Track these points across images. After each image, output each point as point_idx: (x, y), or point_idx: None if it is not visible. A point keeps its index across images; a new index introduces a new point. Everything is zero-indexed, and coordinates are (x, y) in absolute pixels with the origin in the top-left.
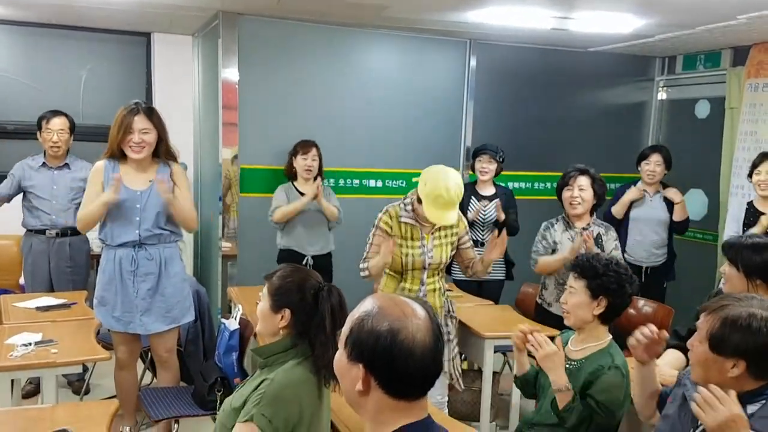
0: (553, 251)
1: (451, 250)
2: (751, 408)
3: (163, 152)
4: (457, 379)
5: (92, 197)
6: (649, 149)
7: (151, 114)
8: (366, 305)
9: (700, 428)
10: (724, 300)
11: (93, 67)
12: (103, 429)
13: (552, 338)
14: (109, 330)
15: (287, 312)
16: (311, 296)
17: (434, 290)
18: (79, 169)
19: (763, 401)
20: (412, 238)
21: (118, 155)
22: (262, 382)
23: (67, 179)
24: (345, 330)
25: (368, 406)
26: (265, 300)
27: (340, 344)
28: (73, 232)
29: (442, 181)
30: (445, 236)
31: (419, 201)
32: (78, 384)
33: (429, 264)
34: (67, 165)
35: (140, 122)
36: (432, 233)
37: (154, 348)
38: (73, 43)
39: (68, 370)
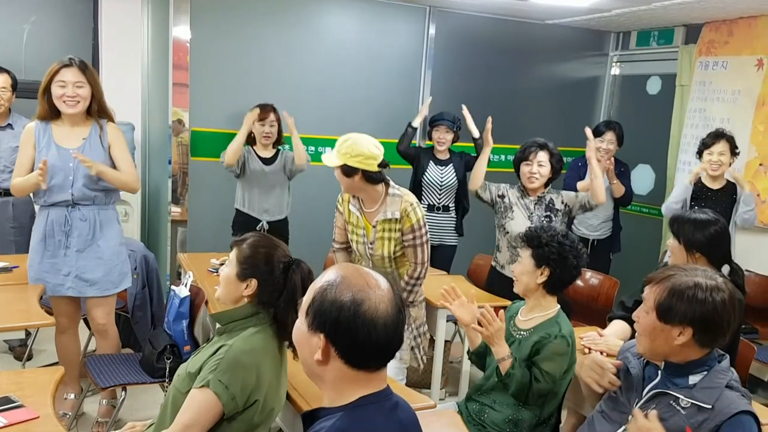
0: (500, 194)
1: (395, 245)
2: (694, 378)
3: (95, 110)
4: (419, 361)
5: (24, 161)
6: (603, 126)
7: (85, 68)
8: (329, 275)
9: (645, 398)
10: (669, 271)
11: (37, 20)
12: (47, 396)
13: (496, 310)
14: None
15: (254, 282)
16: (280, 270)
17: None
18: (23, 129)
19: (705, 372)
20: (356, 226)
21: (50, 114)
22: (220, 347)
23: (11, 139)
24: (306, 299)
25: (327, 377)
26: (232, 267)
27: (301, 313)
28: None
29: (350, 136)
30: (388, 230)
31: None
32: (20, 350)
33: (370, 255)
34: (10, 125)
35: (74, 75)
36: (374, 225)
37: (90, 315)
38: None
39: (10, 335)
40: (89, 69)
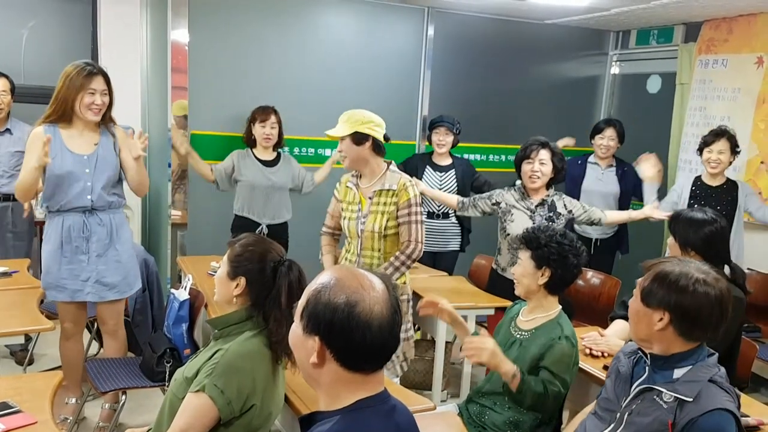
0: (494, 203)
1: (388, 220)
2: (678, 372)
3: (108, 116)
4: (400, 364)
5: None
6: (603, 123)
7: (107, 76)
8: (323, 277)
9: (632, 395)
10: (664, 259)
11: (35, 25)
12: (45, 401)
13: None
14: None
15: (243, 281)
16: (270, 269)
17: (371, 265)
18: (22, 134)
19: (690, 366)
20: (352, 202)
21: (61, 119)
22: (216, 352)
23: (9, 144)
24: (301, 302)
25: (323, 380)
26: (224, 266)
27: (296, 316)
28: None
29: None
30: (384, 204)
31: None
32: (21, 354)
33: (361, 231)
34: (8, 130)
35: (102, 83)
36: (370, 198)
37: (102, 317)
38: None
39: (10, 341)
40: (109, 77)
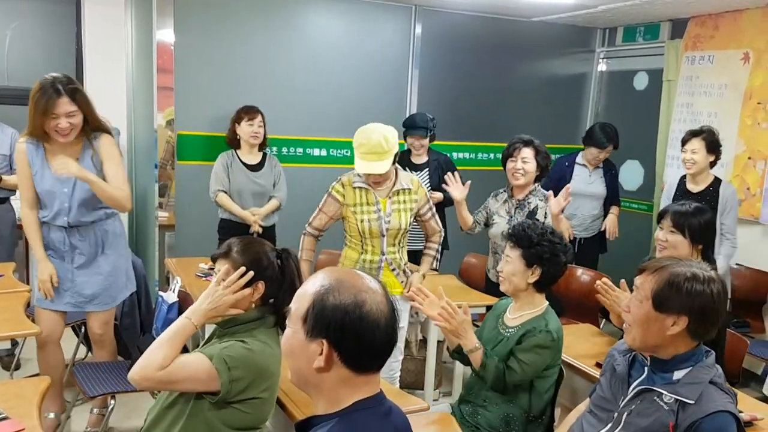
0: (486, 224)
1: (410, 217)
2: (678, 374)
3: (90, 128)
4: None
5: (23, 180)
6: (605, 138)
7: (75, 94)
8: (322, 280)
9: (630, 395)
10: (665, 261)
11: (19, 26)
12: (33, 408)
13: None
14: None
15: (261, 285)
16: (277, 263)
17: (394, 259)
18: (5, 136)
19: (690, 367)
20: (367, 203)
21: (41, 135)
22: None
23: None
24: (302, 306)
25: (325, 384)
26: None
27: (295, 322)
28: None
29: (365, 132)
30: (404, 201)
31: None
32: (8, 359)
33: (387, 230)
34: None
35: (65, 105)
36: (390, 197)
37: (88, 325)
38: None
39: None
40: (79, 92)
